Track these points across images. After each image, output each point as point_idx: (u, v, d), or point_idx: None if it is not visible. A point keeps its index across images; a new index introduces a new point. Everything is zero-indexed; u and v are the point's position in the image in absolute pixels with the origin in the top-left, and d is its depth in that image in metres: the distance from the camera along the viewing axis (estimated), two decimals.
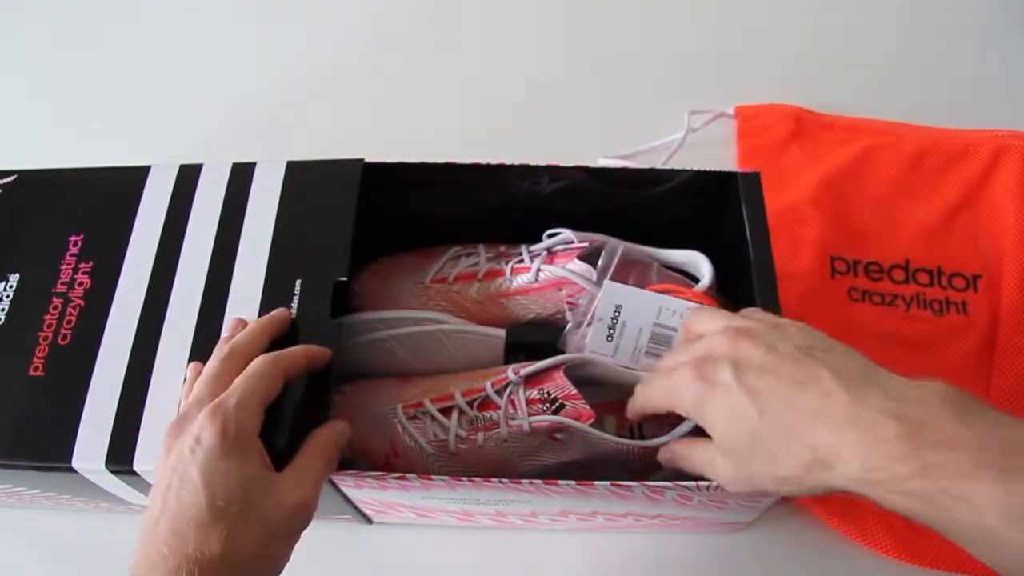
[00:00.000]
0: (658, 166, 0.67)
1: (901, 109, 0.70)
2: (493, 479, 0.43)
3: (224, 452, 0.37)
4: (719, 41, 0.78)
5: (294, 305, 0.48)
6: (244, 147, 0.70)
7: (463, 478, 0.43)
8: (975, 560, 0.52)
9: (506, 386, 0.47)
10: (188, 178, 0.54)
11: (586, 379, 0.48)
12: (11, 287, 0.51)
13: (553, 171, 0.53)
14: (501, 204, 0.55)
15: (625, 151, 0.69)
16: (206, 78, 0.78)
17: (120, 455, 0.45)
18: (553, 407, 0.46)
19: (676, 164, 0.64)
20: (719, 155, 0.70)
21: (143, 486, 0.47)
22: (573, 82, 0.76)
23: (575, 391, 0.46)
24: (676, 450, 0.44)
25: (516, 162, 0.52)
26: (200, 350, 0.47)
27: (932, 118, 0.69)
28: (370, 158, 0.52)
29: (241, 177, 0.53)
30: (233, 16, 0.82)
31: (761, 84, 0.73)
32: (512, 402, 0.47)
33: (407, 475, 0.44)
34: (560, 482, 0.44)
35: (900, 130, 0.69)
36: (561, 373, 0.46)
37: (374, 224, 0.51)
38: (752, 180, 0.50)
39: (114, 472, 0.45)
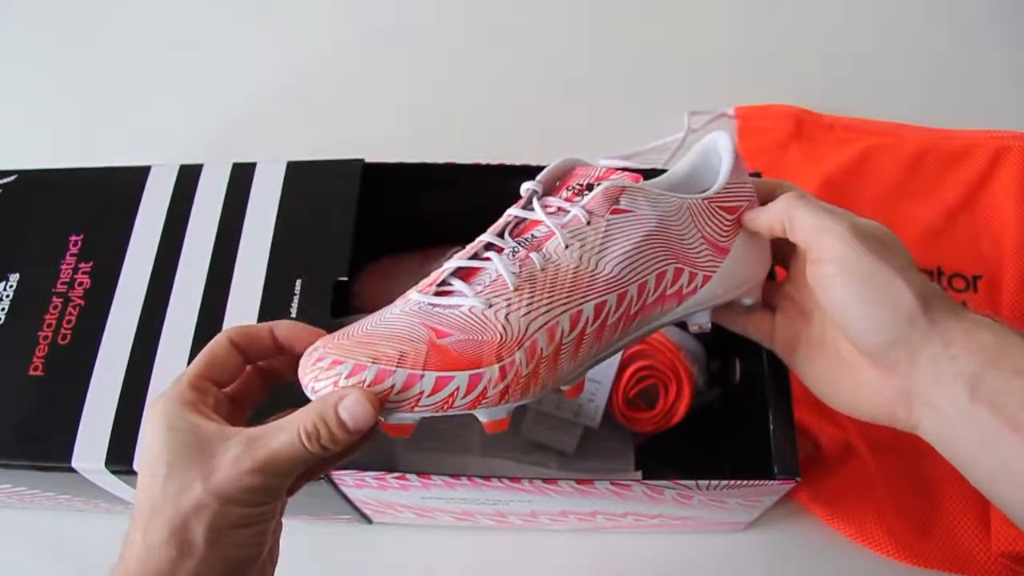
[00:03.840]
0: (658, 166, 0.67)
1: (901, 109, 0.70)
2: (493, 479, 0.43)
3: (152, 434, 0.34)
4: (719, 41, 0.78)
5: (294, 305, 0.48)
6: (244, 147, 0.70)
7: (463, 478, 0.43)
8: (975, 560, 0.53)
9: (530, 200, 0.40)
10: (188, 178, 0.54)
11: None
12: (11, 287, 0.51)
13: None
14: (501, 204, 0.55)
15: (625, 151, 0.69)
16: (206, 78, 0.78)
17: (120, 455, 0.45)
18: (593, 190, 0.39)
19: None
20: None
21: None
22: (573, 82, 0.76)
23: (606, 168, 0.40)
24: (792, 206, 0.39)
25: (516, 162, 0.52)
26: (200, 350, 0.47)
27: (932, 118, 0.69)
28: (370, 158, 0.52)
29: (241, 177, 0.53)
30: (233, 16, 0.82)
31: (761, 84, 0.73)
32: (547, 206, 0.39)
33: (407, 475, 0.44)
34: (560, 481, 0.44)
35: (900, 131, 0.69)
36: (580, 167, 0.41)
37: (374, 224, 0.51)
38: None
39: (114, 472, 0.45)
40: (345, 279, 0.48)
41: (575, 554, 0.55)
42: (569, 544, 0.56)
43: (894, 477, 0.55)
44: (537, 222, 0.39)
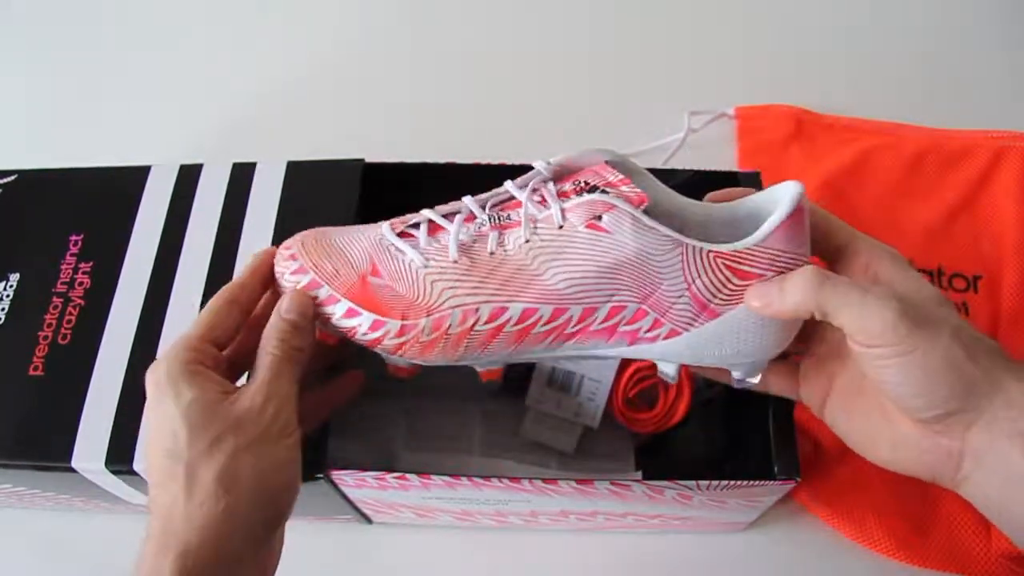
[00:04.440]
0: (658, 166, 0.67)
1: (901, 109, 0.70)
2: (493, 479, 0.43)
3: (158, 398, 0.35)
4: (719, 41, 0.78)
5: None
6: (244, 147, 0.70)
7: (463, 478, 0.43)
8: (975, 560, 0.53)
9: (530, 180, 0.38)
10: (188, 178, 0.54)
11: None
12: (11, 287, 0.51)
13: None
14: None
15: (625, 151, 0.69)
16: (206, 78, 0.78)
17: (120, 455, 0.45)
18: (589, 191, 0.37)
19: (676, 164, 0.64)
20: (719, 155, 0.70)
21: (143, 486, 0.47)
22: (573, 82, 0.76)
23: (621, 176, 0.37)
24: (813, 282, 0.34)
25: (516, 162, 0.52)
26: None
27: (932, 118, 0.69)
28: (370, 158, 0.52)
29: (241, 177, 0.53)
30: (233, 16, 0.82)
31: (761, 84, 0.73)
32: (537, 192, 0.38)
33: (407, 475, 0.44)
34: (560, 481, 0.44)
35: (900, 130, 0.69)
36: (603, 162, 0.38)
37: None
38: (752, 180, 0.50)
39: (114, 472, 0.45)
40: None
41: (575, 554, 0.55)
42: (569, 544, 0.56)
43: (894, 477, 0.54)
44: (519, 204, 0.38)
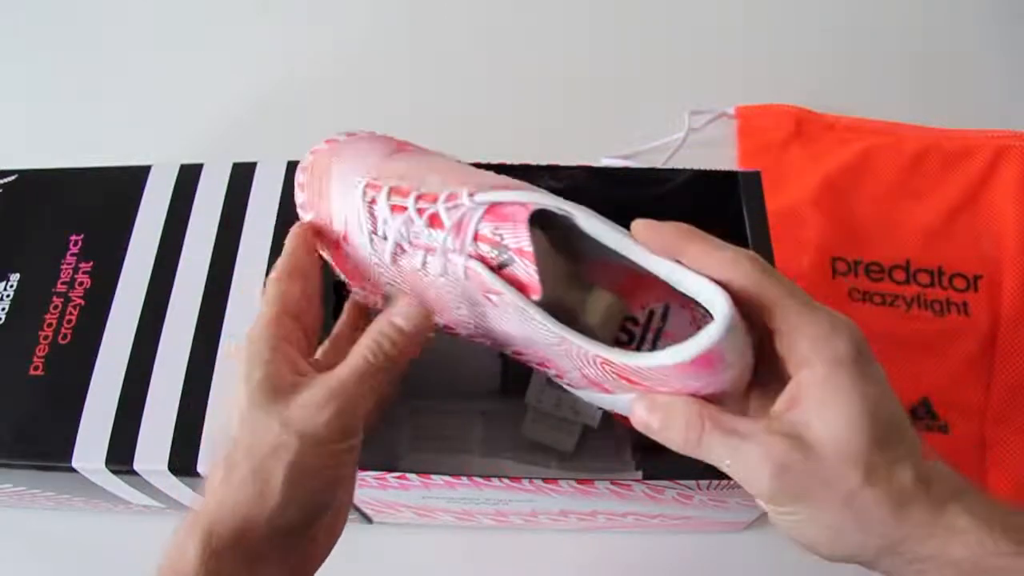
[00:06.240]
0: (659, 166, 0.67)
1: (901, 109, 0.70)
2: (493, 479, 0.43)
3: (238, 376, 0.34)
4: (719, 41, 0.78)
5: None
6: (244, 147, 0.70)
7: (463, 477, 0.43)
8: None
9: (458, 206, 0.36)
10: (188, 178, 0.54)
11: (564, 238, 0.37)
12: (11, 287, 0.51)
13: (553, 171, 0.53)
14: None
15: (626, 151, 0.69)
16: (206, 78, 0.78)
17: (120, 454, 0.45)
18: (499, 259, 0.35)
19: (677, 164, 0.64)
20: (720, 155, 0.70)
21: (143, 485, 0.47)
22: (573, 82, 0.76)
23: (531, 249, 0.34)
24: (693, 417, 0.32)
25: (516, 162, 0.52)
26: (200, 350, 0.47)
27: (932, 118, 0.69)
28: None
29: (241, 177, 0.53)
30: (233, 16, 0.82)
31: (761, 84, 0.73)
32: (458, 227, 0.36)
33: (407, 474, 0.44)
34: (560, 481, 0.44)
35: (900, 130, 0.69)
36: (526, 219, 0.34)
37: None
38: (752, 180, 0.50)
39: (114, 472, 0.45)
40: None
41: (575, 554, 0.55)
42: (569, 544, 0.56)
43: None
44: (442, 226, 0.36)
